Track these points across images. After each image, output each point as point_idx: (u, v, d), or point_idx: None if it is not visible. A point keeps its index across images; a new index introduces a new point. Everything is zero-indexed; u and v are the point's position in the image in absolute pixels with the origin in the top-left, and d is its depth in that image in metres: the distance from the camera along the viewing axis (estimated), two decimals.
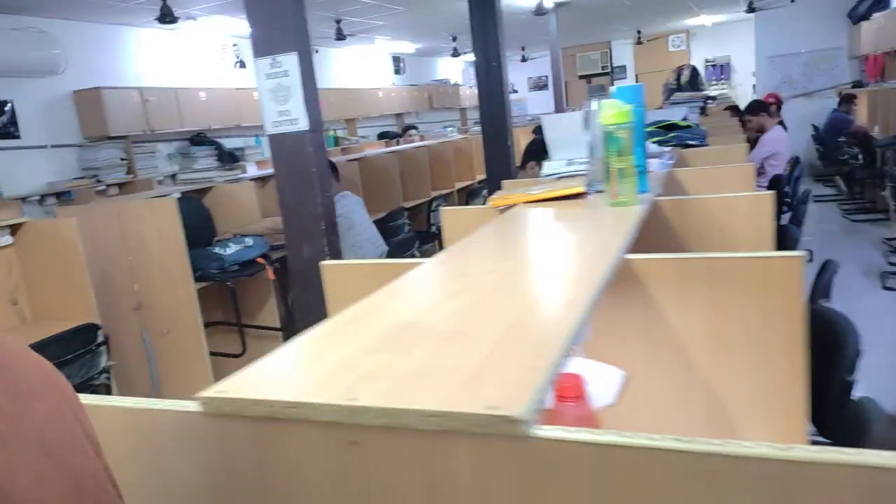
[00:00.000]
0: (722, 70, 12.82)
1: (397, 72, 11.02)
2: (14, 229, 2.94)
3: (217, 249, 3.52)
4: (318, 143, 2.72)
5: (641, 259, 1.04)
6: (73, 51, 5.42)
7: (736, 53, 12.66)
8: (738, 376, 1.01)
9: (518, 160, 5.75)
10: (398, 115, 10.72)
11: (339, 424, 0.56)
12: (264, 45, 2.63)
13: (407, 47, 10.07)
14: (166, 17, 4.83)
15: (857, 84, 8.17)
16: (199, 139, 6.63)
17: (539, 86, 14.04)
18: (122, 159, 5.68)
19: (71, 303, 2.94)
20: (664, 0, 8.47)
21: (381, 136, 9.94)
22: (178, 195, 3.68)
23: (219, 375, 3.90)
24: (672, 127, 2.68)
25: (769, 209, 1.51)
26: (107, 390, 2.86)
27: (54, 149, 5.35)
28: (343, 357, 0.67)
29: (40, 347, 2.52)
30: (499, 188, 5.00)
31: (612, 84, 13.51)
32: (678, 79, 6.24)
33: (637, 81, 13.34)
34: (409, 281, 0.98)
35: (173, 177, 6.32)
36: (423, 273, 1.03)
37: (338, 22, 6.97)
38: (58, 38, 5.19)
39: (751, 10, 8.27)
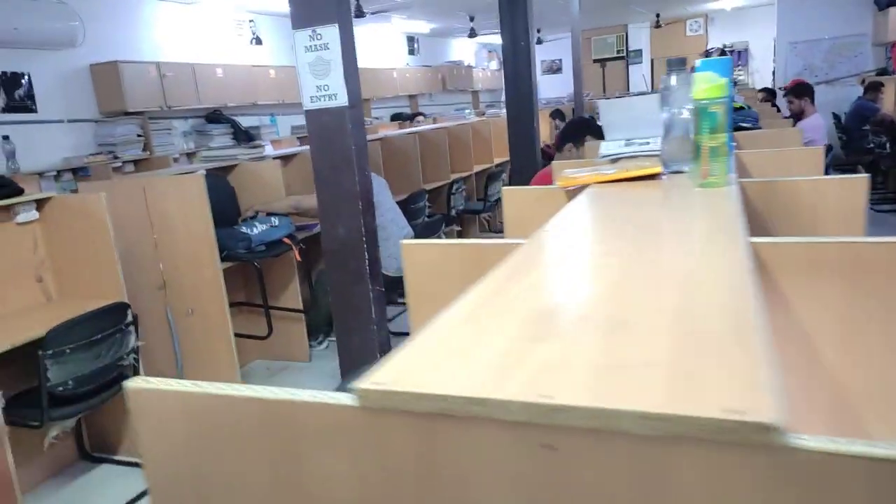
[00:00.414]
0: (739, 56, 12.62)
1: (411, 52, 10.86)
2: (40, 204, 2.86)
3: (244, 229, 3.44)
4: (358, 119, 2.63)
5: (767, 243, 0.95)
6: (90, 23, 5.30)
7: (754, 39, 12.47)
8: (870, 371, 0.93)
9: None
10: (411, 97, 10.59)
11: (530, 425, 0.48)
12: (303, 16, 2.53)
13: (422, 27, 9.91)
14: None
15: (883, 71, 8.01)
16: (214, 117, 6.52)
17: (552, 69, 13.86)
18: (139, 135, 5.59)
19: (98, 281, 2.87)
20: None
21: (395, 117, 9.81)
22: (203, 172, 3.59)
23: (243, 357, 3.86)
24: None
25: (862, 193, 1.42)
26: (134, 371, 2.80)
27: (71, 123, 5.26)
28: (504, 346, 0.59)
29: (71, 326, 2.45)
30: (524, 171, 4.94)
31: (627, 68, 13.33)
32: None
33: (653, 66, 13.18)
34: (520, 264, 0.89)
35: (189, 155, 6.24)
36: (528, 256, 0.94)
37: None
38: (76, 10, 5.07)
39: None
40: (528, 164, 5.04)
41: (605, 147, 2.06)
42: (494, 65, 13.77)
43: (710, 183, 1.35)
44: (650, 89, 13.13)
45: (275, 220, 3.57)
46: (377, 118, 9.46)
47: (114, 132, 5.38)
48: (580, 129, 3.23)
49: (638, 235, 1.02)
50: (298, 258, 3.59)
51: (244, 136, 6.66)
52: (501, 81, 14.58)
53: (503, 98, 14.76)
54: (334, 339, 4.23)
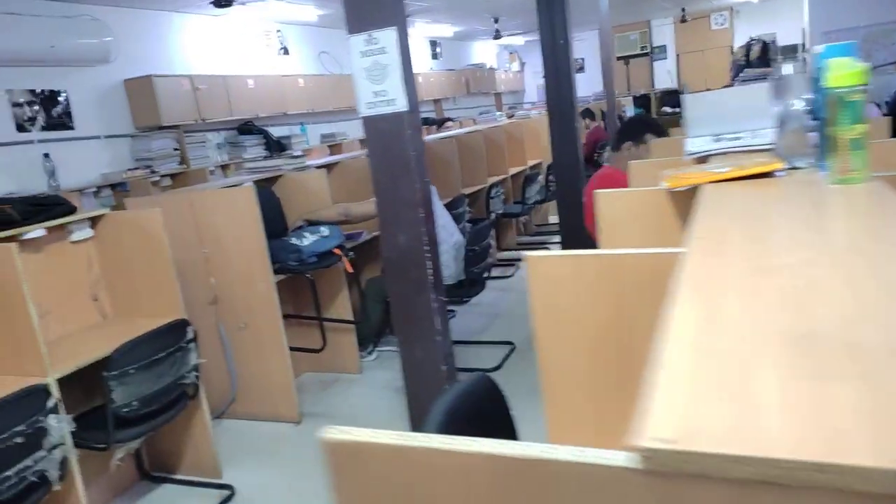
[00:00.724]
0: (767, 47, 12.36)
1: (434, 56, 10.80)
2: (94, 222, 2.81)
3: (294, 240, 3.38)
4: (416, 124, 2.54)
5: None
6: (122, 39, 5.30)
7: (782, 31, 12.21)
8: None
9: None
10: (436, 101, 10.52)
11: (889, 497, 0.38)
12: (359, 20, 2.46)
13: (445, 31, 9.84)
14: (222, 1, 4.67)
15: None
16: (247, 128, 6.50)
17: (576, 68, 13.70)
18: (175, 149, 5.57)
19: (154, 298, 2.82)
20: None
21: (423, 122, 9.76)
22: (251, 184, 3.53)
23: (298, 370, 3.80)
24: None
25: None
26: (195, 389, 2.74)
27: (108, 139, 5.26)
28: (785, 386, 0.49)
29: (134, 346, 2.39)
30: (567, 171, 4.81)
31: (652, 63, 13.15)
32: (747, 54, 5.95)
33: (678, 62, 12.98)
34: (710, 278, 0.79)
35: (224, 167, 6.21)
36: (711, 268, 0.84)
37: None
38: (109, 26, 5.06)
39: None
40: (570, 164, 4.94)
41: (692, 144, 1.95)
42: (516, 66, 13.67)
43: (850, 179, 1.24)
44: (676, 85, 12.94)
45: (324, 230, 3.50)
46: None
47: (150, 146, 5.37)
48: (640, 127, 3.12)
49: (819, 243, 0.91)
50: (350, 269, 3.52)
51: (276, 147, 6.63)
52: (523, 83, 14.46)
53: (525, 99, 14.63)
54: (383, 349, 4.17)
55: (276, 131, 6.79)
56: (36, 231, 2.49)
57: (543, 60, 4.86)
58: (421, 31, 9.74)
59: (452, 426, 1.21)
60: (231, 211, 3.18)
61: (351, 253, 3.61)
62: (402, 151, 2.52)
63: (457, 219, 4.80)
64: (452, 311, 4.63)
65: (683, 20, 11.64)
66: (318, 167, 4.11)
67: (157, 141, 5.42)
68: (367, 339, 4.03)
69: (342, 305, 3.80)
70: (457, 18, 8.88)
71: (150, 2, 5.43)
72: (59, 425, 2.14)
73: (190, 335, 2.65)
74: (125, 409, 2.38)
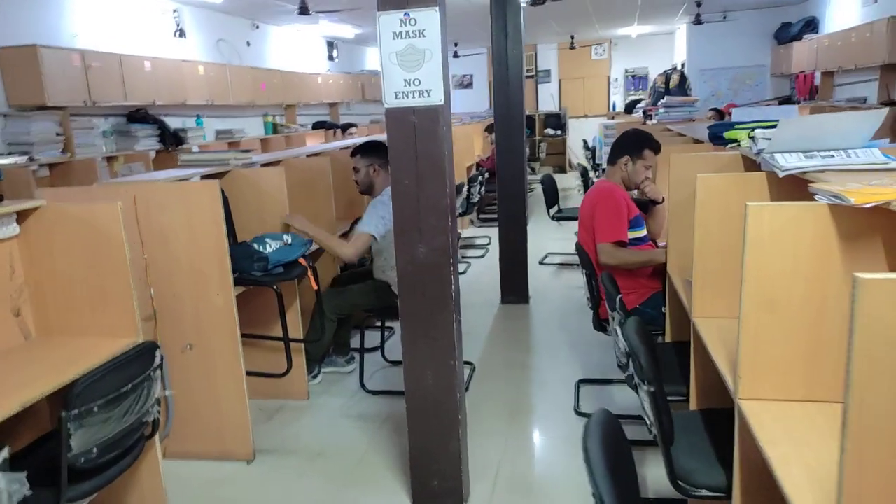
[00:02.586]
0: (640, 81, 13.32)
1: (330, 58, 10.34)
2: (22, 216, 2.20)
3: (256, 246, 2.91)
4: (449, 120, 2.26)
5: None
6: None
7: (654, 64, 13.22)
8: None
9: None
10: (332, 105, 10.06)
11: None
12: None
13: (347, 31, 9.45)
14: None
15: (787, 100, 8.71)
16: (138, 115, 5.71)
17: (464, 84, 13.86)
18: (58, 134, 4.72)
19: (98, 313, 2.27)
20: (617, 5, 8.54)
21: (317, 125, 9.26)
22: (197, 178, 3.01)
23: (263, 403, 3.28)
24: None
25: None
26: (155, 427, 2.22)
27: None
28: None
29: (101, 376, 1.86)
30: (511, 178, 4.76)
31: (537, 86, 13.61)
32: (666, 82, 6.27)
33: (560, 86, 13.58)
34: None
35: (110, 159, 5.39)
36: None
37: None
38: None
39: (698, 22, 8.56)
40: (516, 171, 4.87)
41: (784, 160, 1.87)
42: None
43: None
44: (558, 108, 13.50)
45: (287, 238, 3.07)
46: (302, 125, 8.86)
47: (29, 128, 4.49)
48: (638, 141, 3.06)
49: None
50: (315, 285, 3.10)
51: (173, 140, 5.91)
52: None
53: None
54: (327, 370, 3.74)
55: (170, 122, 6.04)
56: None
57: (495, 71, 4.74)
58: (320, 30, 9.27)
59: (610, 463, 1.21)
60: (187, 209, 2.67)
61: (312, 264, 3.20)
62: (435, 150, 2.22)
63: None
64: (391, 328, 4.31)
65: (572, 47, 12.17)
66: (266, 164, 3.63)
67: (38, 123, 4.54)
68: (312, 360, 3.60)
69: (292, 322, 3.35)
70: (362, 20, 8.54)
71: None
72: (12, 487, 1.59)
73: (158, 360, 2.14)
74: (83, 459, 1.84)
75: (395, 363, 3.85)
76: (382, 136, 6.35)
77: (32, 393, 1.79)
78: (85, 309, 2.26)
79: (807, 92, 8.36)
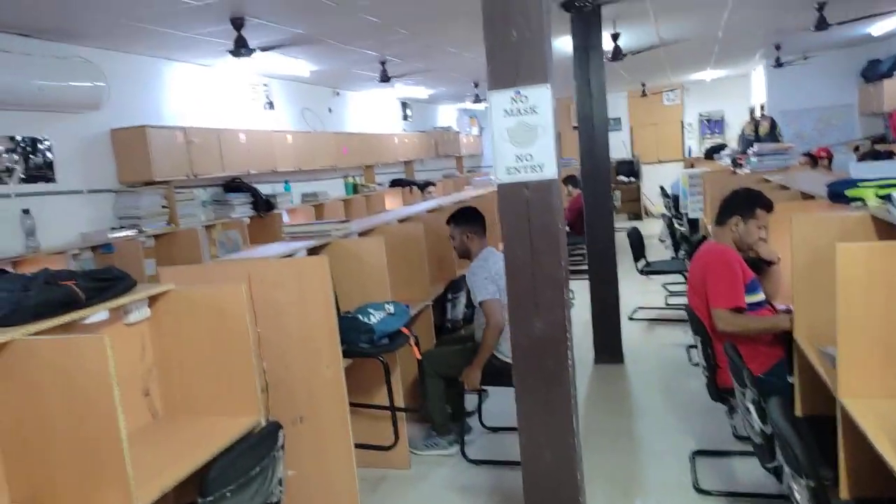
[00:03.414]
0: (716, 124, 13.05)
1: (405, 118, 10.65)
2: (152, 299, 2.30)
3: (362, 318, 2.94)
4: (559, 192, 2.24)
5: None
6: (113, 84, 4.76)
7: (729, 108, 12.94)
8: None
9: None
10: (406, 163, 10.30)
11: None
12: (506, 75, 2.16)
13: (420, 93, 9.72)
14: (241, 48, 4.27)
15: (881, 139, 8.30)
16: (234, 185, 5.99)
17: None
18: (164, 206, 4.99)
19: (221, 392, 2.32)
20: (691, 54, 8.45)
21: (394, 183, 9.47)
22: (304, 253, 3.09)
23: (365, 473, 3.26)
24: None
25: None
26: None
27: (90, 194, 4.64)
28: None
29: (233, 460, 1.88)
30: (600, 238, 4.56)
31: None
32: (756, 130, 6.11)
33: (632, 133, 13.47)
34: None
35: (208, 227, 5.65)
36: None
37: (382, 63, 6.54)
38: (102, 70, 4.53)
39: (778, 64, 8.35)
40: (605, 228, 4.80)
41: None
42: (475, 130, 13.77)
43: None
44: (630, 156, 13.36)
45: (389, 307, 3.09)
46: (380, 184, 9.09)
47: (138, 203, 4.78)
48: (749, 200, 2.95)
49: None
50: (418, 354, 3.10)
51: (265, 206, 6.15)
52: (480, 146, 14.56)
53: (483, 163, 14.71)
54: (431, 453, 3.60)
55: (261, 189, 6.30)
56: (100, 314, 1.97)
57: (580, 128, 4.73)
58: (395, 93, 9.58)
59: None
60: (299, 285, 2.72)
61: (415, 333, 3.20)
62: (550, 224, 2.20)
63: None
64: (485, 390, 4.22)
65: (644, 94, 12.09)
66: (363, 233, 3.71)
67: (146, 197, 4.83)
68: (440, 426, 3.52)
69: (395, 392, 3.34)
70: (437, 81, 8.77)
71: (145, 47, 4.95)
72: None
73: (281, 440, 2.16)
74: None
75: (494, 429, 3.77)
76: (461, 195, 6.44)
77: (167, 480, 1.82)
78: (209, 388, 2.32)
79: None
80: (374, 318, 2.97)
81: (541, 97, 2.15)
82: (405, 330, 3.07)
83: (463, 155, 12.87)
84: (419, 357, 3.12)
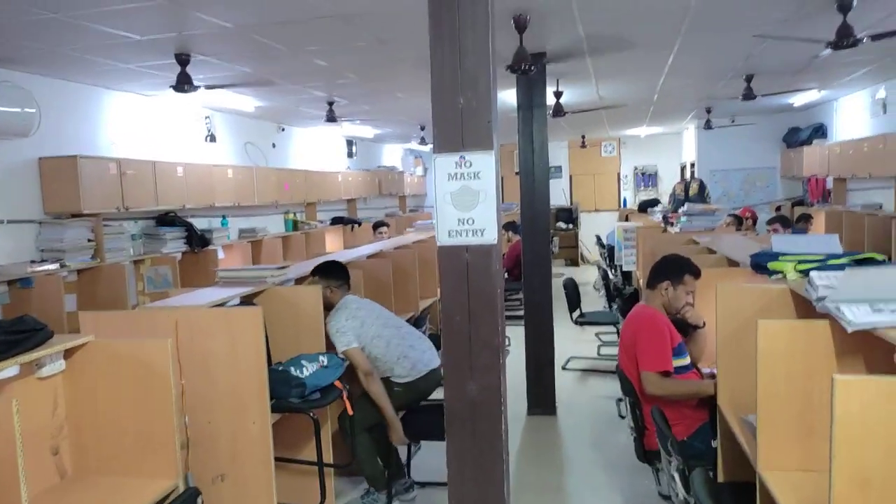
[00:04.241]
0: (649, 178, 13.61)
1: (350, 155, 10.63)
2: (69, 350, 2.17)
3: (294, 370, 2.86)
4: (500, 258, 2.27)
5: None
6: (45, 111, 4.58)
7: (662, 162, 13.54)
8: None
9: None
10: (349, 200, 10.25)
11: None
12: (451, 139, 2.19)
13: (367, 132, 9.75)
14: (185, 85, 4.19)
15: (800, 202, 8.83)
16: (168, 219, 5.80)
17: None
18: (90, 240, 4.77)
19: (138, 452, 2.19)
20: (629, 113, 8.83)
21: (336, 220, 9.39)
22: (237, 301, 3.00)
23: None
24: (868, 261, 2.52)
25: None
26: None
27: (11, 224, 4.39)
28: None
29: None
30: (539, 282, 4.66)
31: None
32: (686, 190, 6.40)
33: (571, 181, 13.88)
34: None
35: (137, 262, 5.44)
36: None
37: (330, 104, 6.55)
38: (34, 96, 4.35)
39: (708, 127, 8.82)
40: (543, 279, 4.89)
41: (852, 313, 1.85)
42: (420, 170, 13.88)
43: None
44: (569, 203, 13.73)
45: (323, 359, 3.02)
46: (321, 222, 8.99)
47: (62, 235, 4.55)
48: (678, 267, 3.06)
49: None
50: (350, 409, 3.03)
51: (199, 241, 5.97)
52: (425, 186, 14.65)
53: (425, 203, 14.79)
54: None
55: (196, 223, 6.13)
56: (9, 369, 1.84)
57: (521, 174, 4.85)
58: (342, 131, 9.58)
59: None
60: (230, 336, 2.64)
61: (347, 386, 3.13)
62: (488, 288, 2.21)
63: None
64: (417, 443, 4.16)
65: (583, 145, 12.51)
66: (300, 279, 3.64)
67: (72, 230, 4.61)
68: (375, 481, 3.42)
69: (325, 446, 3.24)
70: (385, 122, 8.83)
71: (83, 76, 4.78)
72: None
73: None
74: None
75: (422, 484, 3.70)
76: (404, 239, 6.43)
77: None
78: (124, 447, 2.20)
79: (819, 195, 8.49)
80: (307, 370, 2.90)
81: (485, 163, 2.19)
82: (338, 383, 3.00)
83: (406, 195, 12.92)
84: (351, 413, 3.05)
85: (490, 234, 2.20)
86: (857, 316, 1.83)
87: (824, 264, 2.51)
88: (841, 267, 2.46)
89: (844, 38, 3.39)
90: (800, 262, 2.63)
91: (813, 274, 2.13)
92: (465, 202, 2.21)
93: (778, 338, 2.00)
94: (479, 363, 2.25)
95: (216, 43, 3.95)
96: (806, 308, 2.41)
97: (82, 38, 3.71)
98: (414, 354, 3.45)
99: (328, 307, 3.51)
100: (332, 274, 3.60)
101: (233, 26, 3.62)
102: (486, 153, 2.18)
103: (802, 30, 4.06)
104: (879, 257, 2.53)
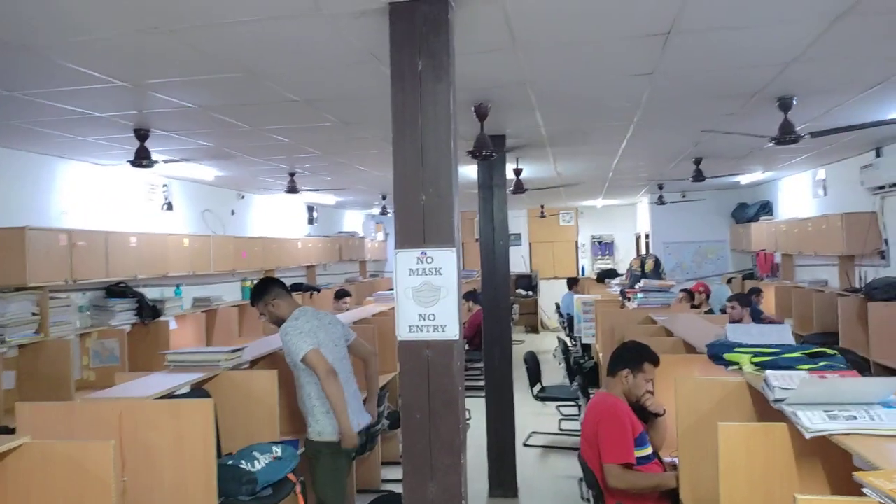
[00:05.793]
0: (606, 246, 13.92)
1: (310, 222, 10.60)
2: (2, 454, 2.02)
3: (244, 464, 2.73)
4: (462, 355, 2.24)
5: None
6: None
7: (618, 232, 13.90)
8: None
9: None
10: (308, 267, 10.15)
11: None
12: (413, 236, 2.19)
13: (328, 199, 9.76)
14: (143, 160, 4.14)
15: (750, 275, 9.11)
16: (118, 289, 5.61)
17: None
18: (34, 314, 4.56)
19: None
20: (586, 188, 9.10)
21: (295, 288, 9.24)
22: (187, 389, 2.88)
23: None
24: (820, 354, 2.58)
25: None
26: None
27: None
28: None
29: None
30: (500, 361, 4.66)
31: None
32: (642, 266, 6.57)
33: (531, 249, 14.07)
34: None
35: (83, 335, 5.21)
36: None
37: (291, 175, 6.55)
38: None
39: (661, 202, 9.13)
40: (503, 357, 4.88)
41: (808, 420, 1.87)
42: (381, 236, 13.89)
43: None
44: (528, 270, 13.88)
45: (277, 450, 2.90)
46: None
47: (4, 310, 4.33)
48: (638, 354, 3.08)
49: None
50: (303, 503, 2.89)
51: (151, 312, 5.78)
52: (385, 252, 14.63)
53: (386, 268, 14.72)
54: None
55: (148, 293, 5.95)
56: None
57: (481, 247, 4.89)
58: (302, 198, 9.57)
59: None
60: (176, 428, 2.51)
61: (301, 478, 3.00)
62: (448, 385, 2.18)
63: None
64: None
65: (542, 215, 12.76)
66: (254, 361, 3.53)
67: (14, 304, 4.40)
68: None
69: None
70: (344, 191, 8.87)
71: (35, 146, 4.68)
72: None
73: None
74: None
75: None
76: (365, 310, 6.35)
77: None
78: None
79: (768, 269, 8.78)
80: (259, 463, 2.77)
81: (446, 259, 2.19)
82: (292, 476, 2.87)
83: (367, 259, 12.88)
84: None
85: (452, 330, 2.18)
86: (812, 422, 1.85)
87: (779, 358, 2.56)
88: (795, 361, 2.53)
89: (787, 135, 3.58)
90: (755, 354, 2.68)
91: (769, 374, 2.16)
92: (427, 298, 2.20)
93: (738, 440, 2.01)
94: (440, 463, 2.18)
95: (177, 120, 3.94)
96: (763, 402, 2.44)
97: (38, 113, 3.65)
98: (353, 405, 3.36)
99: (278, 321, 3.41)
100: (265, 290, 3.46)
101: (195, 107, 3.61)
102: (448, 250, 2.19)
103: (748, 124, 4.29)
104: (831, 352, 2.59)
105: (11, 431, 2.63)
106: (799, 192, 8.18)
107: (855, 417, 1.84)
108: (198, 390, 3.07)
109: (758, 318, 7.33)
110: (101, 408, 2.55)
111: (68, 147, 4.75)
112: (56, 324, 4.75)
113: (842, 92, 3.71)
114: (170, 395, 2.77)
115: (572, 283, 9.76)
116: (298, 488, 2.91)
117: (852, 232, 6.10)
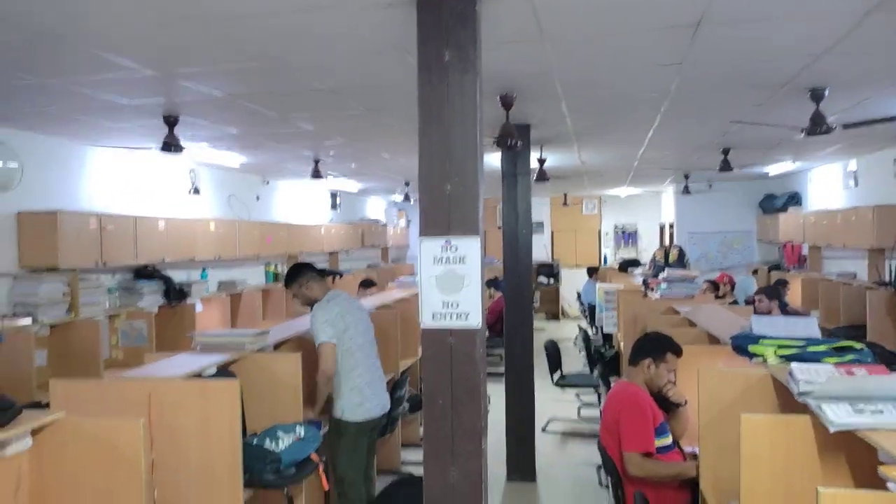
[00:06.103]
0: (629, 236, 13.80)
1: (333, 207, 10.67)
2: (36, 429, 2.10)
3: (269, 444, 2.79)
4: (484, 343, 2.26)
5: None
6: (29, 165, 4.55)
7: (641, 222, 13.77)
8: None
9: None
10: (331, 253, 10.23)
11: None
12: (437, 224, 2.21)
13: (351, 186, 9.82)
14: (172, 146, 4.20)
15: (776, 266, 8.98)
16: (146, 272, 5.72)
17: None
18: (65, 294, 4.68)
19: None
20: (610, 176, 9.02)
21: (324, 273, 9.33)
22: (213, 370, 2.94)
23: None
24: (847, 348, 2.55)
25: None
26: None
27: None
28: None
29: None
30: (521, 342, 4.69)
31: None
32: (665, 257, 6.51)
33: (553, 238, 14.01)
34: None
35: (113, 317, 5.34)
36: None
37: (316, 161, 6.59)
38: (16, 150, 4.33)
39: (686, 192, 9.02)
40: (525, 343, 4.92)
41: (834, 414, 1.86)
42: (403, 223, 13.94)
43: None
44: (550, 259, 13.82)
45: (300, 430, 2.95)
46: None
47: (37, 290, 4.46)
48: (660, 345, 3.07)
49: None
50: (326, 486, 2.95)
51: (178, 295, 5.89)
52: (408, 238, 14.69)
53: (408, 255, 14.80)
54: None
55: (175, 276, 6.05)
56: None
57: (504, 235, 4.90)
58: (326, 184, 9.63)
59: None
60: (204, 409, 2.57)
61: (324, 458, 3.06)
62: (471, 372, 2.20)
63: (396, 403, 4.32)
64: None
65: (565, 204, 12.69)
66: (278, 344, 3.59)
67: (47, 284, 4.52)
68: None
69: None
70: (368, 177, 8.91)
71: (68, 132, 4.77)
72: None
73: None
74: None
75: None
76: (386, 296, 6.39)
77: None
78: None
79: (795, 260, 8.64)
80: (283, 443, 2.83)
81: (470, 248, 2.21)
82: (314, 456, 2.93)
83: (389, 246, 12.95)
84: (327, 488, 2.97)
85: (475, 319, 2.20)
86: (838, 416, 1.84)
87: (804, 351, 2.54)
88: (821, 354, 2.50)
89: (818, 126, 3.52)
90: (780, 346, 2.65)
91: (794, 367, 2.15)
92: (450, 286, 2.22)
93: (761, 432, 2.01)
94: (461, 449, 2.21)
95: (205, 107, 3.98)
96: (786, 394, 2.43)
97: (70, 101, 3.72)
98: (368, 392, 3.48)
99: (311, 302, 3.61)
100: (299, 273, 3.67)
101: (222, 94, 3.66)
102: (472, 238, 2.21)
103: (777, 115, 4.21)
104: (858, 345, 2.56)
105: (45, 406, 2.72)
106: (829, 184, 8.03)
107: (882, 412, 1.83)
108: (223, 371, 3.13)
109: (783, 310, 7.25)
110: (132, 386, 2.63)
111: (98, 133, 4.83)
112: (86, 304, 4.88)
113: (875, 83, 3.63)
114: (196, 376, 2.84)
115: (592, 271, 9.73)
116: (321, 468, 2.97)
117: (883, 225, 5.97)
